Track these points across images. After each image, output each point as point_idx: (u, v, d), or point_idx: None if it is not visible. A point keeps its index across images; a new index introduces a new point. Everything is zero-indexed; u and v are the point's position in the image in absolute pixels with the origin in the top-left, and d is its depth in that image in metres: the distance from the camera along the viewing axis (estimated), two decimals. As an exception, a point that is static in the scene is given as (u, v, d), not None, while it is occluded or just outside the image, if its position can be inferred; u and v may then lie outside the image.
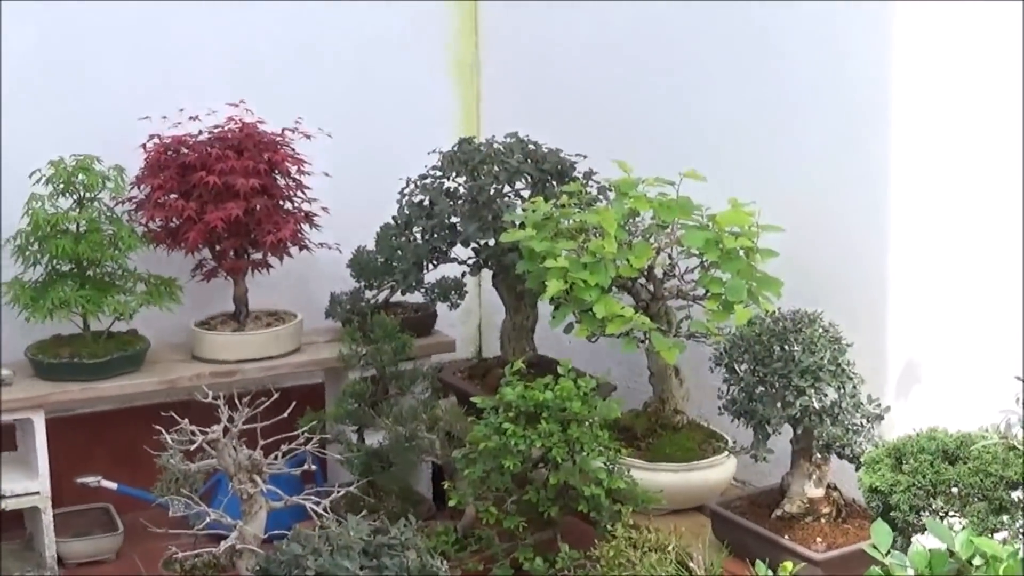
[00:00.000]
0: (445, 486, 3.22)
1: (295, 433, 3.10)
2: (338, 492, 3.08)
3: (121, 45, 3.94)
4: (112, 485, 3.75)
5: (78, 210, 3.69)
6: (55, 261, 3.68)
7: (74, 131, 3.81)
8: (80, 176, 3.67)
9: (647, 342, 3.12)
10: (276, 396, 3.08)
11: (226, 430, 3.02)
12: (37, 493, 3.62)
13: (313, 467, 3.11)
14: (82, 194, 3.70)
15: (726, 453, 3.25)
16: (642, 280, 3.25)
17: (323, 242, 3.91)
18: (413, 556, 2.68)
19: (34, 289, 3.67)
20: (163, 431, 3.02)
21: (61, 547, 3.71)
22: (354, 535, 2.68)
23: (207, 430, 3.01)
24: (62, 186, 3.66)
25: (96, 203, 3.72)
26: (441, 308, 3.97)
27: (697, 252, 3.15)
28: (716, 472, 3.25)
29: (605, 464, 3.04)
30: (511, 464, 3.01)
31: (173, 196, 3.71)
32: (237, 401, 3.04)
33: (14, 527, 3.85)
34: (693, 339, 3.18)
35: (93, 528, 3.87)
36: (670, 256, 3.24)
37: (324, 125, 3.92)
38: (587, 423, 3.04)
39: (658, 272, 3.23)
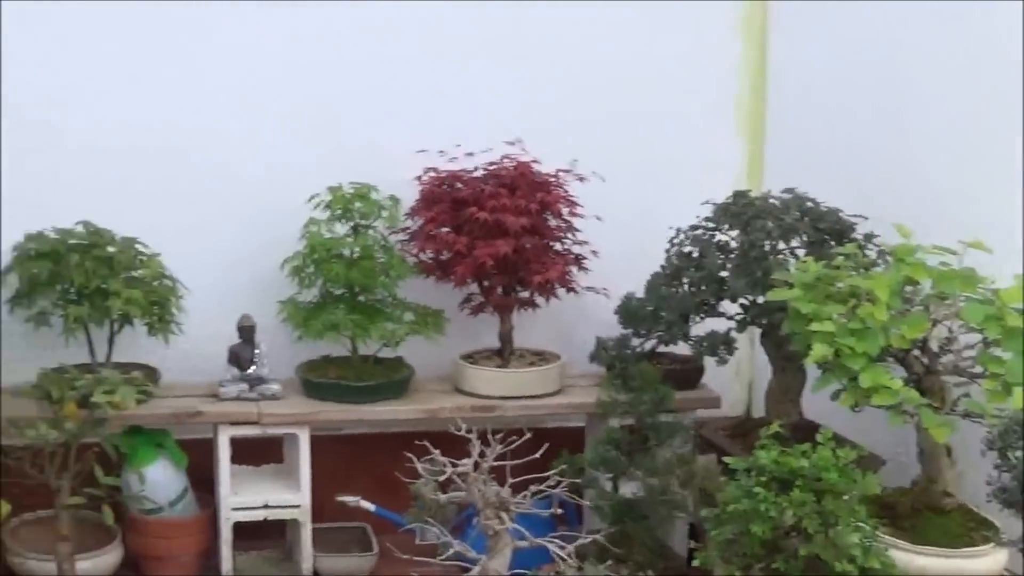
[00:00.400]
0: (691, 545, 3.28)
1: (546, 474, 3.24)
2: (585, 538, 3.20)
3: (399, 79, 4.20)
4: (370, 506, 4.00)
5: (353, 236, 3.97)
6: (328, 284, 3.97)
7: (352, 159, 4.11)
8: (357, 204, 3.95)
9: (917, 417, 3.10)
10: (529, 436, 3.24)
11: (476, 464, 3.19)
12: (298, 506, 3.92)
13: (559, 510, 3.24)
14: (358, 221, 3.98)
15: (994, 544, 3.19)
16: (916, 352, 3.23)
17: (591, 286, 4.05)
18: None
19: (307, 310, 3.97)
20: (415, 459, 3.22)
21: (318, 561, 4.00)
22: (592, 584, 2.80)
23: (458, 462, 3.20)
24: (339, 212, 3.94)
25: (371, 231, 3.99)
26: (710, 362, 4.03)
27: (978, 327, 3.11)
28: (983, 562, 3.18)
29: (861, 541, 3.04)
30: (760, 530, 3.04)
31: (445, 229, 3.94)
32: (490, 437, 3.22)
33: (275, 536, 4.17)
34: (968, 419, 3.14)
35: (350, 546, 4.14)
36: (949, 329, 3.21)
37: (598, 168, 4.06)
38: (844, 496, 3.05)
39: (934, 345, 3.21)
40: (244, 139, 4.16)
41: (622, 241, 4.18)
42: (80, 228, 3.87)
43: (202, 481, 4.06)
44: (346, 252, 3.97)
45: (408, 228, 4.07)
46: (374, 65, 4.19)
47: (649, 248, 3.91)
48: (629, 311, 3.97)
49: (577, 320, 4.29)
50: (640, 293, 3.95)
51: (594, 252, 4.08)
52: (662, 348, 4.09)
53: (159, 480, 3.97)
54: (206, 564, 4.07)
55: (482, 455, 3.22)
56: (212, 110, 4.14)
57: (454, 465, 3.23)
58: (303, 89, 4.16)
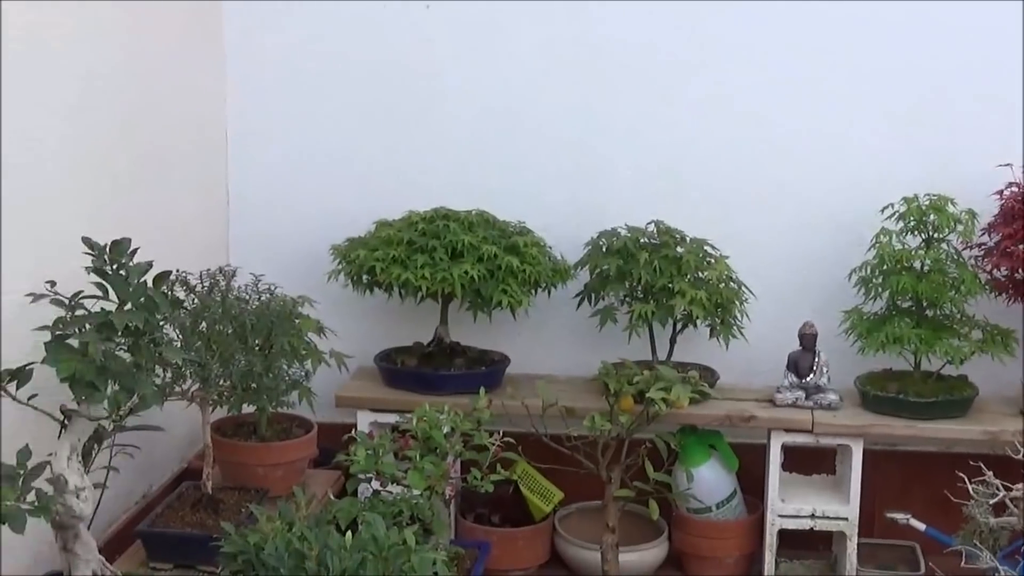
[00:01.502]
0: None
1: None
2: None
3: (982, 87, 4.49)
4: (920, 525, 4.29)
5: (925, 249, 4.29)
6: (895, 296, 4.31)
7: (928, 170, 4.45)
8: (932, 216, 4.26)
9: None
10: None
11: (1032, 491, 3.44)
12: (846, 519, 4.31)
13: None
14: (931, 234, 4.29)
15: None
16: None
17: None
18: None
19: (871, 322, 4.33)
20: (967, 480, 3.51)
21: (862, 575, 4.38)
22: None
23: (1012, 487, 3.46)
24: (912, 224, 4.28)
25: (944, 245, 4.29)
26: None
27: None
28: None
29: None
30: None
31: (1023, 247, 4.15)
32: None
33: (819, 547, 4.60)
34: None
35: (898, 564, 4.50)
36: None
37: None
38: None
39: None
40: (826, 148, 4.63)
41: None
42: (652, 227, 4.44)
43: (751, 485, 4.55)
44: (916, 265, 4.30)
45: (983, 244, 4.32)
46: (961, 71, 4.50)
47: None
48: None
49: None
50: None
51: None
52: None
53: (709, 480, 4.48)
54: (749, 568, 4.55)
55: (1039, 482, 3.45)
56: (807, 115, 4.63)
57: (1007, 489, 3.49)
58: (895, 94, 4.55)
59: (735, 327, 4.41)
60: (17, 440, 2.76)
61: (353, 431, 3.85)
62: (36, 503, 2.67)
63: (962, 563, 3.73)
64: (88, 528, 3.09)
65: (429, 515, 3.55)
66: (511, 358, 4.61)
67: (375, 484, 3.67)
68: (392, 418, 4.18)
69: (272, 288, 3.90)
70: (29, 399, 2.92)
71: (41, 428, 2.98)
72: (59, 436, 2.99)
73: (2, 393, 2.88)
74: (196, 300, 3.70)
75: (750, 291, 4.47)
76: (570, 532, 4.59)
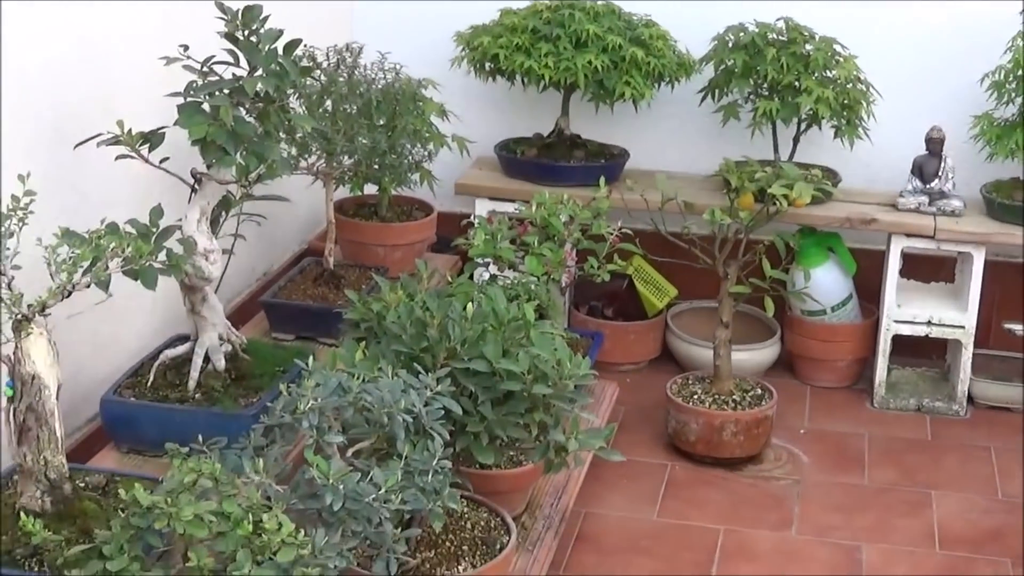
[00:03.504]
0: None
1: None
2: None
3: None
4: (1037, 338, 4.29)
5: (1064, 53, 4.18)
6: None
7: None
8: (1071, 18, 4.14)
9: None
10: None
11: None
12: (963, 327, 4.31)
13: None
14: (1069, 37, 4.18)
15: None
16: None
17: None
18: None
19: (1001, 128, 4.25)
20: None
21: (974, 386, 4.39)
22: None
23: None
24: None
25: (1085, 49, 4.18)
26: None
27: None
28: None
29: None
30: None
31: None
32: None
33: (933, 355, 4.61)
34: None
35: (1011, 376, 4.48)
36: None
37: None
38: None
39: None
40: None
41: None
42: (780, 24, 4.36)
43: (868, 290, 4.54)
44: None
45: (1125, 50, 4.20)
46: None
47: None
48: None
49: None
50: None
51: None
52: None
53: (825, 283, 4.48)
54: (860, 373, 4.56)
55: None
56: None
57: None
58: None
59: (860, 128, 4.35)
60: (151, 201, 2.82)
61: (472, 217, 3.89)
62: (168, 261, 2.74)
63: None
64: (215, 293, 3.17)
65: (545, 300, 3.59)
66: (630, 153, 4.60)
67: (492, 269, 3.71)
68: (510, 207, 4.20)
69: (397, 68, 3.90)
70: (161, 162, 2.98)
71: (172, 193, 3.05)
72: (189, 200, 3.05)
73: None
74: (323, 76, 3.72)
75: (878, 92, 4.39)
76: (682, 328, 4.62)
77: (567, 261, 3.78)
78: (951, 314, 4.34)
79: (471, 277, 3.64)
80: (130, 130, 2.92)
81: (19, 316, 2.46)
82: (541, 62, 4.23)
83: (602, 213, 3.82)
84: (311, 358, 2.63)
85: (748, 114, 4.38)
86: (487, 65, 4.37)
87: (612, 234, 3.77)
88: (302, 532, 2.11)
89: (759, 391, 4.12)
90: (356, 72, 3.79)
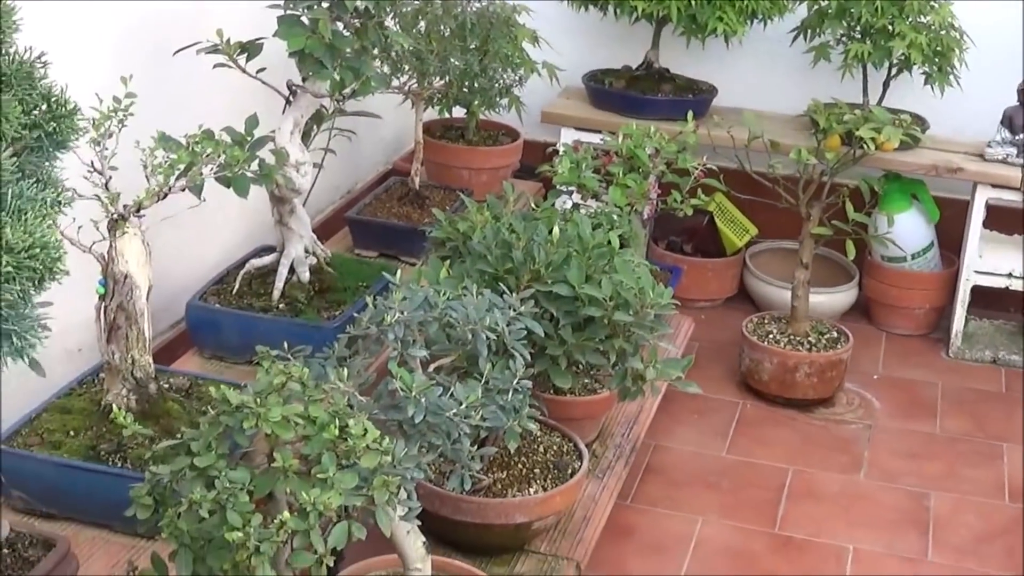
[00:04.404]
0: None
1: None
2: None
3: None
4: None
5: None
6: None
7: None
8: None
9: None
10: None
11: None
12: None
13: None
14: None
15: None
16: None
17: None
18: None
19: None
20: None
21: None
22: None
23: None
24: None
25: None
26: None
27: None
28: None
29: None
30: None
31: None
32: None
33: (1012, 308, 4.57)
34: None
35: (1089, 332, 4.43)
36: None
37: None
38: None
39: None
40: None
41: None
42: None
43: (949, 240, 4.50)
44: None
45: None
46: None
47: None
48: None
49: None
50: None
51: None
52: None
53: (908, 229, 4.44)
54: (937, 322, 4.53)
55: None
56: None
57: None
58: None
59: (952, 76, 4.28)
60: (245, 112, 2.82)
61: (557, 145, 3.88)
62: (260, 171, 2.75)
63: None
64: (303, 205, 3.18)
65: (627, 231, 3.57)
66: (719, 89, 4.56)
67: (576, 197, 3.69)
68: (595, 138, 4.18)
69: (492, -10, 3.89)
70: (258, 72, 2.98)
71: (266, 104, 3.05)
72: (283, 112, 3.06)
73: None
74: (417, -2, 3.72)
75: (971, 40, 4.31)
76: (760, 268, 4.60)
77: (650, 193, 3.77)
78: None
79: (554, 205, 3.63)
80: (228, 39, 2.93)
81: (115, 216, 2.48)
82: (635, -7, 4.21)
83: (688, 147, 3.79)
84: (398, 272, 2.64)
85: (839, 56, 4.32)
86: (580, -7, 4.35)
87: (696, 169, 3.74)
88: (386, 439, 2.12)
89: (835, 334, 4.10)
90: (451, -6, 3.79)
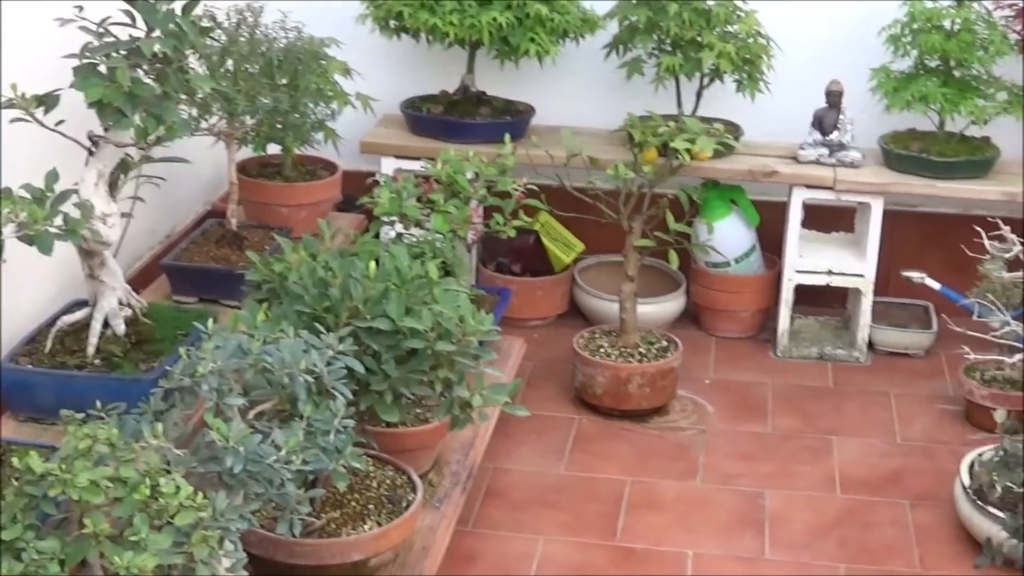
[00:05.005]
0: None
1: None
2: None
3: None
4: (935, 284, 4.34)
5: (956, 8, 4.22)
6: (924, 55, 4.26)
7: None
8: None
9: None
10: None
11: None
12: (862, 276, 4.35)
13: None
14: (922, -8, 4.22)
15: None
16: None
17: None
18: None
19: (898, 80, 4.29)
20: (983, 234, 3.52)
21: (875, 333, 4.46)
22: None
23: (1029, 242, 3.48)
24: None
25: (975, 4, 4.24)
26: None
27: None
28: None
29: None
30: None
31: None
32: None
33: (835, 305, 4.67)
34: None
35: (910, 322, 4.56)
36: None
37: None
38: None
39: None
40: None
41: None
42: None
43: (770, 242, 4.58)
44: (946, 24, 4.23)
45: (1014, 4, 4.24)
46: None
47: None
48: None
49: None
50: None
51: None
52: None
53: (729, 234, 4.50)
54: (764, 323, 4.61)
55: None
56: None
57: (1024, 245, 3.51)
58: None
59: (761, 82, 4.36)
60: (44, 166, 2.76)
61: (377, 176, 3.86)
62: (64, 226, 2.69)
63: (973, 316, 3.77)
64: (114, 257, 3.12)
65: (451, 258, 3.57)
66: (536, 109, 4.59)
67: (398, 227, 3.69)
68: (416, 165, 4.17)
69: (300, 27, 3.85)
70: (57, 124, 2.92)
71: (68, 156, 2.99)
72: (86, 163, 3.00)
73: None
74: (223, 36, 3.67)
75: (778, 46, 4.40)
76: (589, 283, 4.63)
77: (473, 218, 3.78)
78: (851, 263, 4.39)
79: (377, 236, 3.62)
80: (24, 92, 2.86)
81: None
82: (446, 19, 4.20)
83: (508, 169, 3.81)
84: (210, 320, 2.60)
85: (652, 69, 4.38)
86: (391, 23, 4.33)
87: (518, 190, 3.77)
88: (200, 495, 2.09)
89: (664, 343, 4.14)
90: (257, 32, 3.74)
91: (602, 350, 4.09)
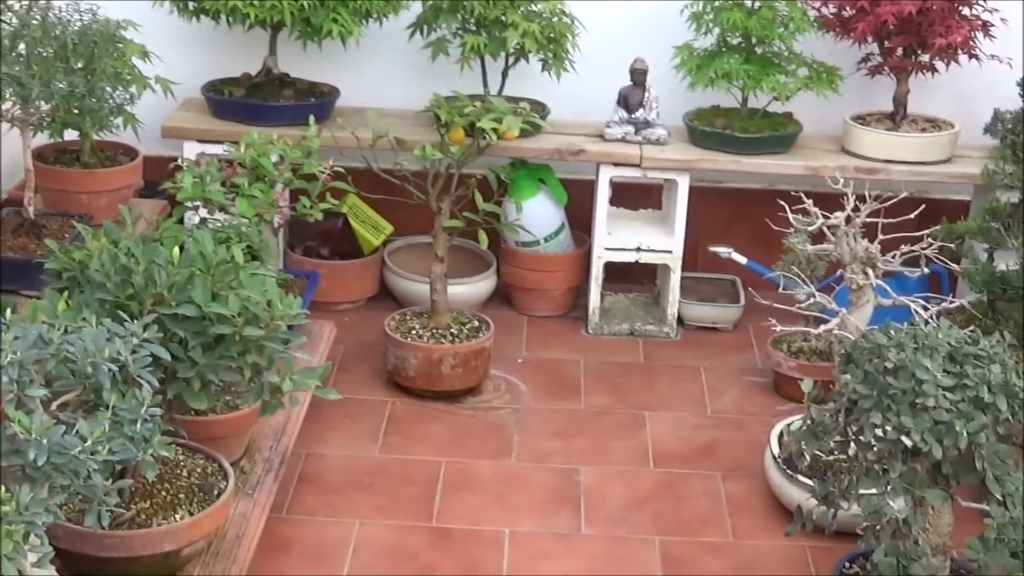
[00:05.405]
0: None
1: (919, 234, 3.57)
2: (950, 303, 3.54)
3: None
4: (741, 259, 4.47)
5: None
6: (726, 32, 4.37)
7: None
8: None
9: None
10: (906, 194, 3.59)
11: (848, 219, 3.58)
12: (670, 252, 4.46)
13: (926, 270, 3.59)
14: (762, -30, 4.34)
15: None
16: None
17: (995, 54, 4.27)
18: (998, 371, 3.09)
19: (701, 57, 4.40)
20: (787, 208, 3.64)
21: (684, 308, 4.57)
22: (942, 338, 3.13)
23: (831, 215, 3.60)
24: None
25: (775, -19, 4.36)
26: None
27: None
28: None
29: None
30: None
31: (850, -16, 4.24)
32: (867, 193, 3.58)
33: (644, 281, 4.76)
34: None
35: (718, 297, 4.70)
36: None
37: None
38: None
39: None
40: None
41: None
42: (481, -41, 4.40)
43: (579, 221, 4.66)
44: (747, 1, 4.36)
45: (813, -19, 4.39)
46: None
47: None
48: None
49: (976, 90, 4.53)
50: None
51: (1003, 20, 4.28)
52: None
53: (538, 214, 4.56)
54: (575, 301, 4.69)
55: (856, 210, 3.58)
56: None
57: (826, 218, 3.62)
58: None
59: (567, 61, 4.43)
60: None
61: (179, 160, 3.82)
62: None
63: (779, 289, 3.90)
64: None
65: (257, 242, 3.56)
66: (341, 91, 4.58)
67: (202, 212, 3.66)
68: (219, 149, 4.13)
69: (94, 10, 3.78)
70: None
71: None
72: None
73: None
74: (14, 19, 3.58)
75: (583, 25, 4.47)
76: (399, 265, 4.65)
77: (279, 202, 3.77)
78: (659, 239, 4.49)
79: (180, 221, 3.58)
80: None
81: None
82: (246, 0, 4.17)
83: (313, 152, 3.81)
84: (8, 311, 2.55)
85: (457, 49, 4.41)
86: (190, 4, 4.28)
87: (324, 173, 3.77)
88: (3, 489, 2.06)
89: (476, 323, 4.19)
90: (50, 14, 3.66)
91: (414, 332, 4.11)
